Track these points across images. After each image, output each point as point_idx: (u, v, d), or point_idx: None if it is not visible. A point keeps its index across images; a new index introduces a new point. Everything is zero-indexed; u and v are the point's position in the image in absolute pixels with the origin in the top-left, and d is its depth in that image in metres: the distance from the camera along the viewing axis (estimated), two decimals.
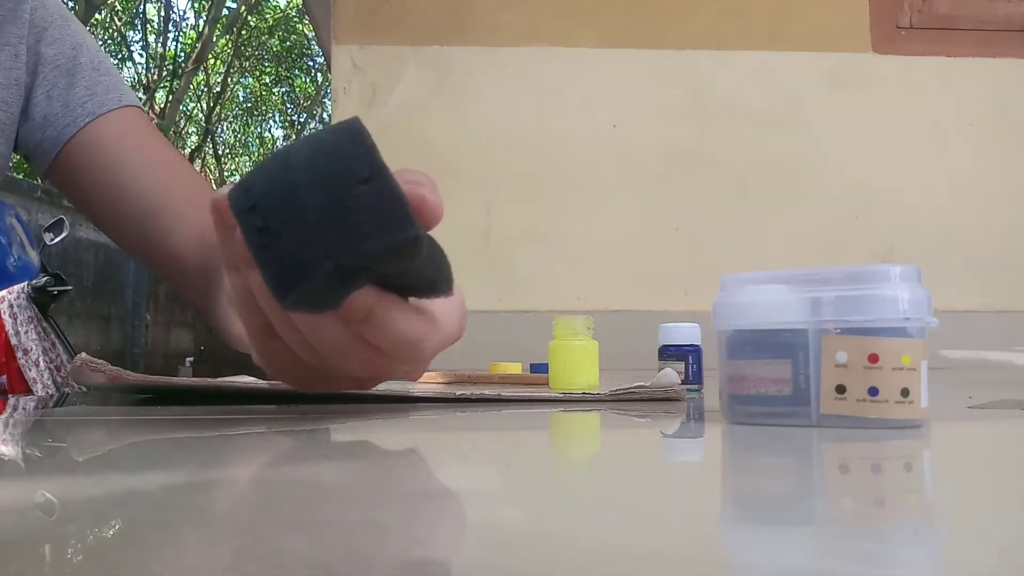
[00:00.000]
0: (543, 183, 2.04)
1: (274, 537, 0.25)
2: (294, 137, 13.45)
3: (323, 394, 0.72)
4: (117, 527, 0.26)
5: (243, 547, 0.25)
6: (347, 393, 0.71)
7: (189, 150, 12.31)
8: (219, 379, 0.76)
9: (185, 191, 0.82)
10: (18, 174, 4.69)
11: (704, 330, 0.82)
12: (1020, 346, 2.03)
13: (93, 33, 10.67)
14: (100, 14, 11.08)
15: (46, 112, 0.82)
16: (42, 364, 1.33)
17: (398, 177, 0.37)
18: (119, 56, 11.48)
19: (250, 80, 13.54)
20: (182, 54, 12.09)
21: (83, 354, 0.69)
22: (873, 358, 0.45)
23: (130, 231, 0.85)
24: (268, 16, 12.41)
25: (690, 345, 0.85)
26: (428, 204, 0.40)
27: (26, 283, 1.42)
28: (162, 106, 11.39)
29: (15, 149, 0.85)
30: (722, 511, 0.30)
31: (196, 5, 12.32)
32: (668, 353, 0.85)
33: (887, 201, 2.08)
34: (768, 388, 0.48)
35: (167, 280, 0.88)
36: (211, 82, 12.82)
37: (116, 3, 11.59)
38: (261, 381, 0.71)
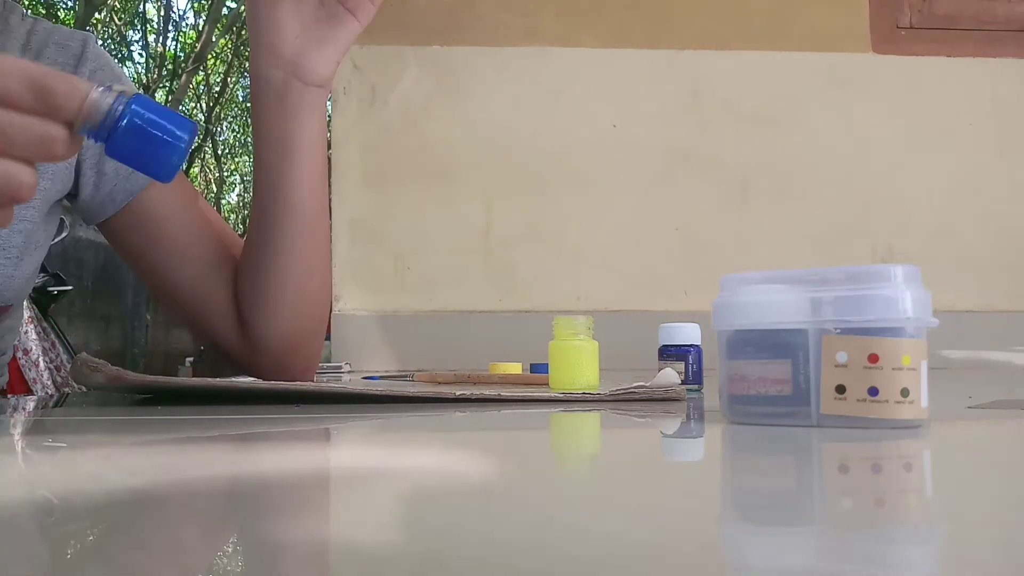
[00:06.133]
0: (543, 183, 2.03)
1: (274, 535, 0.26)
2: None
3: (323, 394, 0.72)
4: (117, 527, 0.26)
5: (243, 546, 0.25)
6: (347, 393, 0.71)
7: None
8: (219, 379, 0.76)
9: (226, 253, 0.87)
10: None
11: (704, 330, 0.82)
12: (1020, 346, 2.03)
13: (93, 32, 10.69)
14: (100, 14, 11.08)
15: (117, 166, 0.84)
16: (42, 364, 1.33)
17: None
18: (119, 56, 11.46)
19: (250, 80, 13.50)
20: (182, 54, 12.09)
21: (83, 354, 0.69)
22: (873, 358, 0.45)
23: (183, 292, 0.88)
24: None
25: (690, 345, 0.85)
26: None
27: None
28: None
29: (76, 195, 0.87)
30: (722, 511, 0.30)
31: (196, 5, 12.31)
32: (668, 353, 0.85)
33: (887, 201, 2.08)
34: (768, 388, 0.48)
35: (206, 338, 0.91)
36: (211, 82, 12.81)
37: (116, 3, 11.59)
38: (261, 381, 0.71)
